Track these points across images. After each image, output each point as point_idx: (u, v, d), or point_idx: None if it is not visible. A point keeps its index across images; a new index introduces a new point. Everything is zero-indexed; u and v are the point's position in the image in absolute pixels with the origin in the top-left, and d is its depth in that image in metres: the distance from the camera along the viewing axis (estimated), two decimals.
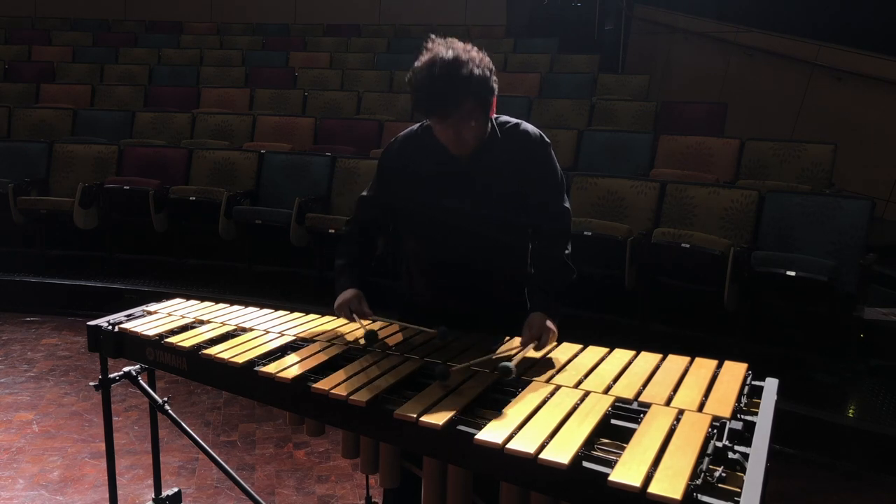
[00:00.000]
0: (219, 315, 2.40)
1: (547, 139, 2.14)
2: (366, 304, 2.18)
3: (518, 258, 2.22)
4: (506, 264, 2.17)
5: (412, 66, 1.95)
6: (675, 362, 1.87)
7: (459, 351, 1.98)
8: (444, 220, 2.11)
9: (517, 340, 1.99)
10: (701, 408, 1.59)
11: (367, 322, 2.19)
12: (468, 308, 2.16)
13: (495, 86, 1.97)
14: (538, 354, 1.94)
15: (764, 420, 1.57)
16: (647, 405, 1.62)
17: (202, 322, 2.33)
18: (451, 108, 1.91)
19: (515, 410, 1.59)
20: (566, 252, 2.12)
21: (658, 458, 1.37)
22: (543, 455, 1.40)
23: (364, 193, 2.31)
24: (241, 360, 1.97)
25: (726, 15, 8.49)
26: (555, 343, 2.01)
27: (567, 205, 2.16)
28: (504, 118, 2.14)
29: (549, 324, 1.98)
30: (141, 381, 2.48)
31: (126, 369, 2.44)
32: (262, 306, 2.49)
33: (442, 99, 1.90)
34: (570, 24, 10.86)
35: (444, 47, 1.92)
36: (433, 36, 1.98)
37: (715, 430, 1.49)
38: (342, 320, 2.26)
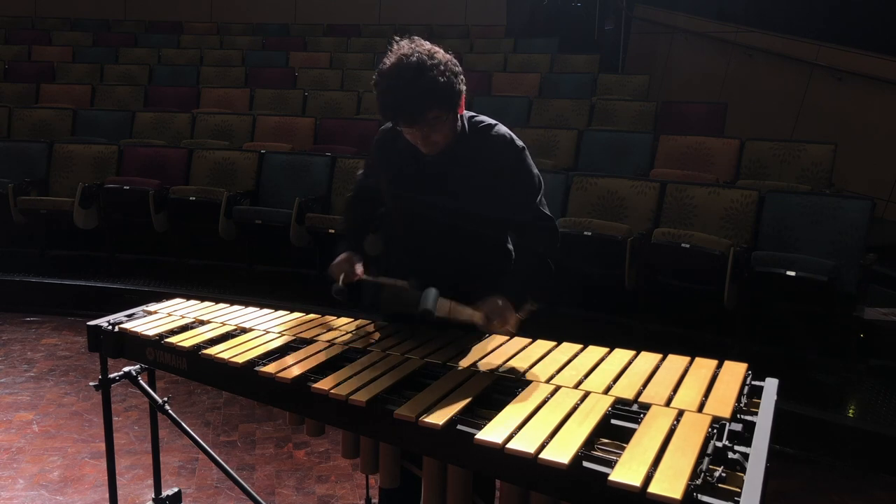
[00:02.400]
0: (219, 315, 2.40)
1: (520, 143, 2.10)
2: (359, 267, 2.22)
3: (495, 253, 2.23)
4: (482, 258, 2.17)
5: (378, 68, 1.92)
6: (675, 362, 1.87)
7: (458, 352, 1.98)
8: (416, 212, 2.13)
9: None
10: (701, 408, 1.59)
11: (353, 324, 2.23)
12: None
13: (462, 87, 1.95)
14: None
15: (764, 420, 1.57)
16: (647, 405, 1.62)
17: (202, 322, 2.33)
18: (417, 117, 1.90)
19: (515, 410, 1.59)
20: (547, 249, 2.10)
21: (658, 458, 1.37)
22: (543, 455, 1.40)
23: (359, 172, 2.40)
24: (241, 360, 1.98)
25: (726, 15, 8.50)
26: (507, 325, 1.98)
27: (545, 209, 2.11)
28: (479, 118, 2.11)
29: (508, 308, 1.96)
30: (141, 381, 2.48)
31: (126, 369, 2.44)
32: (262, 306, 2.49)
33: (406, 109, 1.89)
34: (570, 24, 10.86)
35: (409, 51, 1.89)
36: (396, 38, 1.95)
37: (715, 430, 1.49)
38: (342, 320, 2.27)
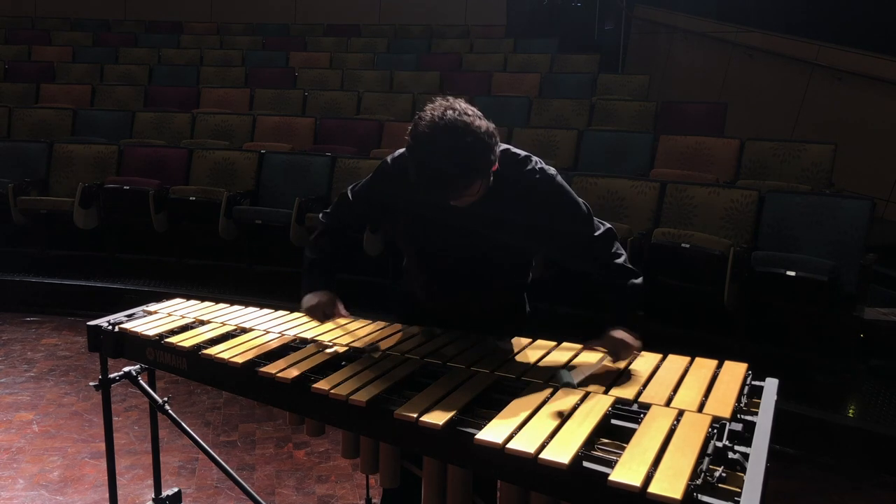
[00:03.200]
0: (219, 315, 2.40)
1: (551, 172, 2.00)
2: (341, 305, 2.17)
3: (516, 269, 2.20)
4: (503, 276, 2.15)
5: (414, 134, 1.79)
6: (675, 362, 1.87)
7: (459, 351, 1.98)
8: (441, 238, 2.06)
9: (589, 355, 1.94)
10: (701, 408, 1.59)
11: (354, 324, 2.21)
12: (465, 312, 2.17)
13: (497, 150, 1.83)
14: (616, 366, 1.88)
15: (764, 420, 1.57)
16: (647, 405, 1.62)
17: (202, 322, 2.33)
18: (459, 194, 1.81)
19: (515, 410, 1.59)
20: (622, 258, 2.03)
21: (658, 458, 1.37)
22: (543, 455, 1.40)
23: (349, 193, 2.21)
24: (241, 360, 1.98)
25: (726, 15, 8.50)
26: (637, 355, 1.92)
27: (599, 231, 2.02)
28: (511, 151, 2.00)
29: (628, 337, 1.90)
30: (141, 381, 2.48)
31: (126, 369, 2.44)
32: (262, 306, 2.49)
33: (444, 188, 1.79)
34: (570, 24, 10.86)
35: (444, 122, 1.75)
36: (429, 105, 1.82)
37: (715, 430, 1.49)
38: (343, 320, 2.26)
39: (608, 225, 2.06)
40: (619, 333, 1.90)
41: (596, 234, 2.02)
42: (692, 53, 9.07)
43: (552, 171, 2.01)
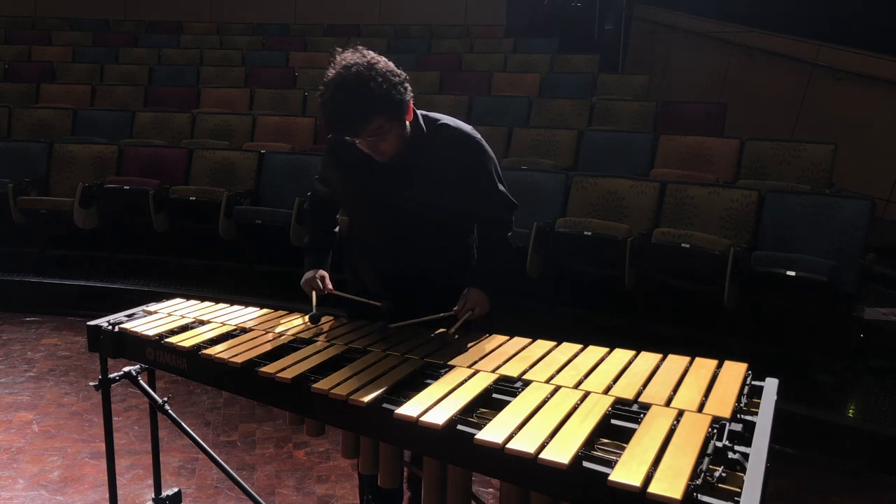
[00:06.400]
0: (219, 315, 2.40)
1: (476, 135, 2.17)
2: (328, 281, 2.32)
3: (455, 245, 2.28)
4: (443, 251, 2.23)
5: (322, 82, 1.95)
6: (675, 362, 1.87)
7: (458, 351, 1.98)
8: (378, 208, 2.17)
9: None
10: (701, 408, 1.59)
11: (354, 324, 2.25)
12: (409, 292, 2.21)
13: (407, 95, 1.98)
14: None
15: (764, 420, 1.57)
16: (647, 405, 1.62)
17: (202, 322, 2.33)
18: (359, 129, 1.94)
19: (515, 410, 1.59)
20: (508, 234, 2.26)
21: (658, 458, 1.37)
22: (543, 455, 1.40)
23: (317, 177, 2.42)
24: (241, 360, 1.98)
25: (726, 15, 8.50)
26: (486, 312, 2.15)
27: (503, 189, 2.22)
28: (435, 115, 2.16)
29: (484, 297, 2.14)
30: (141, 381, 2.48)
31: (126, 369, 2.44)
32: (262, 306, 2.49)
33: (348, 122, 1.93)
34: (570, 24, 10.85)
35: (349, 62, 1.92)
36: (338, 49, 1.99)
37: (715, 431, 1.49)
38: (342, 320, 2.27)
39: (516, 205, 2.26)
40: (479, 292, 2.14)
41: (506, 199, 2.22)
42: (692, 53, 9.07)
43: (477, 135, 2.17)
